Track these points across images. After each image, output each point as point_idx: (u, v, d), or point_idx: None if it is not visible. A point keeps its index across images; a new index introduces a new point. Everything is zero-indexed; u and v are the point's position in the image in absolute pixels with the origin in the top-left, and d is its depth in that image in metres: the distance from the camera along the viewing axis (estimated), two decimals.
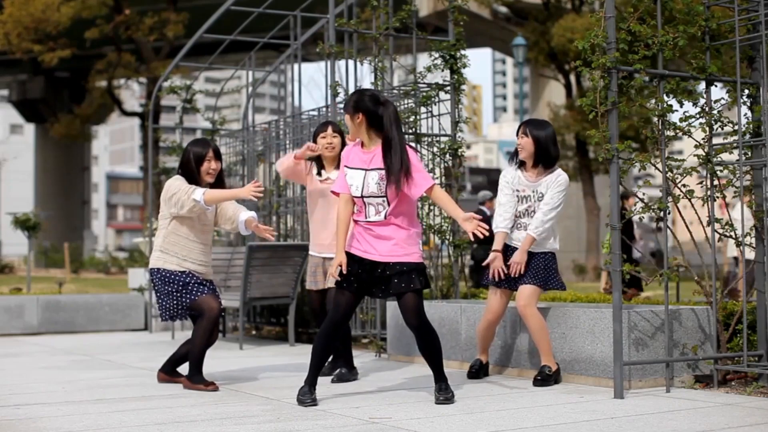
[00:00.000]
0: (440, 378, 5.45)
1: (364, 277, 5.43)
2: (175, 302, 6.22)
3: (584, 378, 6.03)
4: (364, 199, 5.41)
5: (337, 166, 6.56)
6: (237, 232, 6.86)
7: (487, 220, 9.64)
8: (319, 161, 6.72)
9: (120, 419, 4.97)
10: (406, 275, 5.35)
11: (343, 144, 6.53)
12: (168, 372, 6.45)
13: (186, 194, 6.11)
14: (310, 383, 5.42)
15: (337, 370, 6.51)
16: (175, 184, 6.21)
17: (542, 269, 6.19)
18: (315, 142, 6.69)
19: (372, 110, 5.41)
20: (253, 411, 5.22)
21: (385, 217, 5.37)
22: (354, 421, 4.82)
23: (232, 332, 10.63)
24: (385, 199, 5.37)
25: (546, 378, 6.00)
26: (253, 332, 10.65)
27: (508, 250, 6.22)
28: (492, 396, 5.66)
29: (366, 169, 5.40)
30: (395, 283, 5.36)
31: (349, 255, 5.43)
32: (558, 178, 6.15)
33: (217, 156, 6.33)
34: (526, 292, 6.13)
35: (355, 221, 5.50)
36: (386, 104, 5.43)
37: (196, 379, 6.17)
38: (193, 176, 6.26)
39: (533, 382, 6.02)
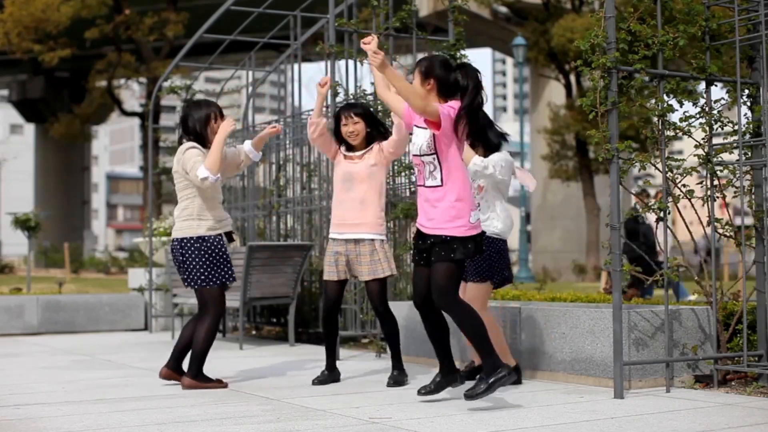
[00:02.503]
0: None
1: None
2: (221, 269, 6.15)
3: (584, 378, 6.03)
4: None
5: (368, 145, 6.26)
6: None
7: None
8: (347, 144, 6.33)
9: (120, 419, 4.97)
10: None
11: (374, 124, 6.24)
12: (174, 368, 6.32)
13: (195, 177, 6.05)
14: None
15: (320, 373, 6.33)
16: (190, 162, 6.11)
17: (485, 260, 5.99)
18: (337, 125, 6.30)
19: (443, 77, 5.24)
20: (253, 411, 5.22)
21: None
22: (354, 421, 4.82)
23: (232, 332, 10.63)
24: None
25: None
26: (253, 332, 10.65)
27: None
28: (492, 396, 5.66)
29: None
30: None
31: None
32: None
33: (221, 112, 6.33)
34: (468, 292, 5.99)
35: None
36: (464, 69, 5.24)
37: (205, 378, 6.16)
38: (203, 140, 6.23)
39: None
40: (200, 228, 6.14)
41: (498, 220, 6.01)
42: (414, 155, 5.30)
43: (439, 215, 5.14)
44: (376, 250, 6.17)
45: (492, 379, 5.09)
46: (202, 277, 6.13)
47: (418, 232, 5.27)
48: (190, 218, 6.16)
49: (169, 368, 6.33)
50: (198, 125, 6.27)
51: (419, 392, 5.35)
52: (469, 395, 5.08)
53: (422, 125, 5.24)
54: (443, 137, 5.15)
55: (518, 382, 6.04)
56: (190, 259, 6.13)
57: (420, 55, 8.19)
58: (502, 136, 6.09)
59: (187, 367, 6.21)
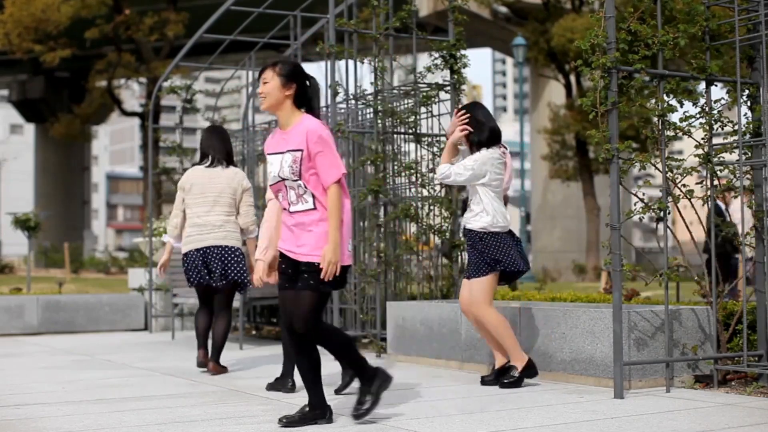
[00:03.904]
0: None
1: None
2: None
3: (584, 378, 6.03)
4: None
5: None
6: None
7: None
8: None
9: (120, 419, 4.97)
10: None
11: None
12: (218, 361, 7.01)
13: (251, 224, 7.26)
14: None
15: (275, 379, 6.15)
16: (250, 203, 7.22)
17: (477, 255, 6.02)
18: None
19: (303, 84, 4.84)
20: (253, 411, 5.22)
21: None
22: (354, 421, 4.81)
23: (232, 332, 10.62)
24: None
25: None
26: (253, 332, 10.64)
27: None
28: (492, 396, 5.66)
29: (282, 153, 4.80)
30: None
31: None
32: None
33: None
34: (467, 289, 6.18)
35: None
36: (312, 79, 4.90)
37: (221, 364, 7.05)
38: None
39: (500, 385, 6.00)
40: (239, 242, 7.14)
41: (486, 215, 6.01)
42: (273, 184, 4.82)
43: (314, 241, 4.68)
44: None
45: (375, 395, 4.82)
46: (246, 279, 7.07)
47: (283, 257, 4.79)
48: (237, 231, 7.12)
49: (215, 362, 6.98)
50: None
51: (279, 420, 4.75)
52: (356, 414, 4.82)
53: (276, 151, 4.79)
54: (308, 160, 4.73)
55: (534, 374, 6.03)
56: (234, 264, 7.00)
57: (420, 55, 8.20)
58: (493, 136, 6.08)
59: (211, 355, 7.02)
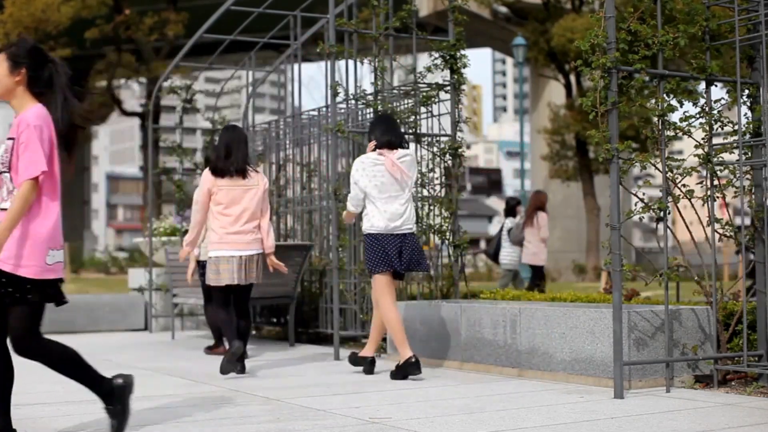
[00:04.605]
0: None
1: None
2: None
3: (584, 378, 6.03)
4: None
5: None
6: None
7: None
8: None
9: None
10: None
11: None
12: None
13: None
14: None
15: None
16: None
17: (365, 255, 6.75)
18: None
19: (37, 66, 4.30)
20: (253, 411, 5.22)
21: None
22: (354, 421, 4.82)
23: None
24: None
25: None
26: (253, 332, 10.64)
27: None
28: (492, 396, 5.67)
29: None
30: None
31: None
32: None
33: None
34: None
35: None
36: (55, 62, 4.40)
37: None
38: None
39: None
40: None
41: (366, 219, 6.67)
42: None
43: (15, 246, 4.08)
44: None
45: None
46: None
47: None
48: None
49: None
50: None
51: None
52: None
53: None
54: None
55: (418, 371, 6.42)
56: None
57: (420, 55, 8.21)
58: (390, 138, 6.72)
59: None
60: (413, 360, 6.37)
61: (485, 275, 30.56)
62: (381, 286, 6.63)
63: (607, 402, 5.35)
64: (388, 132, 6.72)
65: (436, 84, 8.44)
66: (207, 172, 7.12)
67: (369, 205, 6.65)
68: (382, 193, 6.60)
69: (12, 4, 27.83)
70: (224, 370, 6.64)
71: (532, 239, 12.26)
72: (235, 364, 6.71)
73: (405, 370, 6.40)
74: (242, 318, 7.25)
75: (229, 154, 7.05)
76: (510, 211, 13.08)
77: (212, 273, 6.98)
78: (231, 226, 6.95)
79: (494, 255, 12.98)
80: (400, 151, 6.68)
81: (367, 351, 6.84)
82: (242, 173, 7.04)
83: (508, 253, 12.69)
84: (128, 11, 29.25)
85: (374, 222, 6.60)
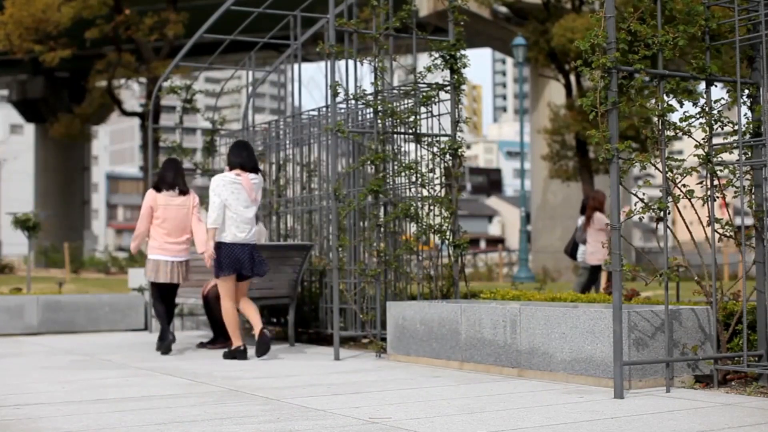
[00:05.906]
0: None
1: None
2: None
3: (584, 378, 6.03)
4: None
5: None
6: None
7: None
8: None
9: (120, 419, 4.97)
10: None
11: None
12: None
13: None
14: None
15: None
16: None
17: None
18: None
19: None
20: (253, 411, 5.22)
21: None
22: (354, 421, 4.82)
23: None
24: None
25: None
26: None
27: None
28: (492, 396, 5.67)
29: None
30: None
31: None
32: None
33: None
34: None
35: None
36: None
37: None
38: None
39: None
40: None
41: (222, 230, 7.88)
42: None
43: None
44: None
45: None
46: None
47: None
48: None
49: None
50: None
51: None
52: None
53: None
54: None
55: (245, 358, 7.96)
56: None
57: (420, 55, 8.22)
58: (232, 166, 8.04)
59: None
60: (242, 348, 7.99)
61: (485, 275, 30.59)
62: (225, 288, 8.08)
63: (607, 402, 5.35)
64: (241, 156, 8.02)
65: (436, 84, 8.44)
66: (151, 190, 8.74)
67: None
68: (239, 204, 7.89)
69: (12, 4, 27.82)
70: (159, 348, 8.56)
71: (591, 239, 12.31)
72: (166, 345, 8.52)
73: (234, 355, 7.98)
74: (169, 306, 8.83)
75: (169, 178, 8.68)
76: (585, 209, 13.06)
77: (151, 271, 8.66)
78: (168, 237, 8.60)
79: (572, 253, 13.01)
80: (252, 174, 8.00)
81: (236, 342, 8.07)
82: (179, 193, 8.67)
83: (584, 251, 12.72)
84: (128, 11, 29.22)
85: (226, 234, 7.89)
